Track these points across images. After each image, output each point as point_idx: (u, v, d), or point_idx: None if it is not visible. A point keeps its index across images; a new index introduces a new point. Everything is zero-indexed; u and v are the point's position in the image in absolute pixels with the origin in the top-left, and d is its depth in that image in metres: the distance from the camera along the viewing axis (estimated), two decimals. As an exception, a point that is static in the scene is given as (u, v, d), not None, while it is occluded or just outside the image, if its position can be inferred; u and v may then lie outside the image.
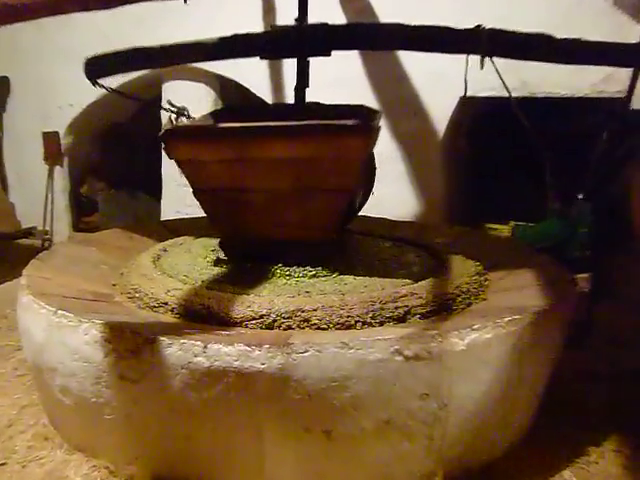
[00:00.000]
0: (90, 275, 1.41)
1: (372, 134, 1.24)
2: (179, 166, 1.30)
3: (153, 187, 2.62)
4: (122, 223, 2.26)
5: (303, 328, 1.11)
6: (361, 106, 1.47)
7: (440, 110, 1.99)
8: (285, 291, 1.24)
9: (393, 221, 1.81)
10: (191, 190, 1.34)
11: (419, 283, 1.25)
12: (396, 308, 1.15)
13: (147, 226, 1.84)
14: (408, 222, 1.86)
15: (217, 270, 1.39)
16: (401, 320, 1.14)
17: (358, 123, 1.19)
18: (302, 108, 1.43)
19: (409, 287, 1.22)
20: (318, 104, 1.47)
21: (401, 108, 2.03)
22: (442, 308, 1.18)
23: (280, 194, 1.27)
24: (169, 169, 2.47)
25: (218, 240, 1.44)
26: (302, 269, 1.33)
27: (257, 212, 1.31)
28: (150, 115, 2.44)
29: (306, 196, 1.26)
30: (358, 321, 1.12)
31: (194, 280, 1.32)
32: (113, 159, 2.79)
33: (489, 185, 2.13)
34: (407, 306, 1.15)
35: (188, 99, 2.21)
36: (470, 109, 2.02)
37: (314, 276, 1.32)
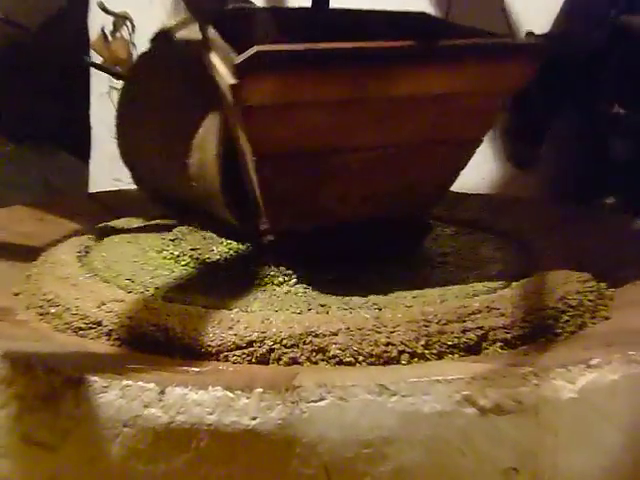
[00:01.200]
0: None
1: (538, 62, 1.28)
2: (245, 118, 1.25)
3: (76, 141, 2.62)
4: (28, 197, 2.27)
5: (316, 362, 1.12)
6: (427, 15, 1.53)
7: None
8: (288, 304, 1.25)
9: (457, 194, 1.81)
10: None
11: (500, 292, 1.25)
12: (464, 331, 1.15)
13: (67, 201, 1.85)
14: (480, 196, 1.86)
15: (180, 271, 1.40)
16: (472, 350, 1.15)
17: (535, 45, 1.25)
18: (353, 17, 1.49)
19: (485, 298, 1.22)
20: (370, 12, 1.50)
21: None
22: (538, 331, 1.18)
23: (385, 154, 1.30)
24: (102, 113, 2.48)
25: (264, 238, 1.44)
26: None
27: (346, 184, 1.33)
28: (70, 28, 2.44)
29: (423, 154, 1.31)
30: (403, 351, 1.13)
31: (143, 287, 1.33)
32: (11, 98, 2.79)
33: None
34: (482, 328, 1.16)
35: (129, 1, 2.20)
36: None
37: (332, 282, 1.33)
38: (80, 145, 2.54)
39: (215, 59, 1.32)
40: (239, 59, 1.20)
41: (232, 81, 1.21)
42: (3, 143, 2.78)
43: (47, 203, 1.79)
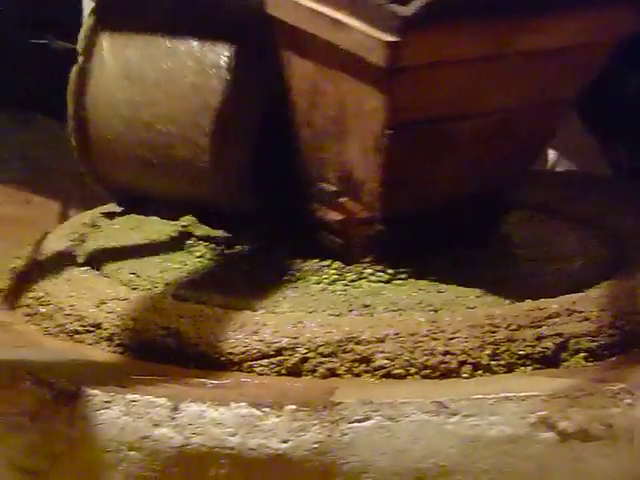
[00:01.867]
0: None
1: None
2: (391, 82, 1.25)
3: (58, 103, 2.62)
4: (5, 174, 2.27)
5: (358, 374, 1.12)
6: None
7: None
8: (324, 304, 1.24)
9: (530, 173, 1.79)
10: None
11: (584, 292, 1.24)
12: (539, 339, 1.14)
13: (55, 179, 1.85)
14: (560, 174, 1.84)
15: (193, 264, 1.40)
16: (549, 362, 1.13)
17: None
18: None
19: (564, 299, 1.21)
20: None
21: None
22: (631, 340, 1.17)
23: (500, 119, 1.35)
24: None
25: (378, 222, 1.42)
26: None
27: (461, 157, 1.36)
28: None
29: (529, 118, 1.36)
30: (465, 362, 1.12)
31: (150, 282, 1.32)
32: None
33: None
34: (561, 335, 1.14)
35: None
36: None
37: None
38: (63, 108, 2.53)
39: (333, 13, 1.31)
40: (408, 10, 1.20)
41: (390, 38, 1.20)
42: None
43: (31, 181, 1.80)
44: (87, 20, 1.55)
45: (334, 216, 1.40)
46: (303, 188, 1.43)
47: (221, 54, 1.43)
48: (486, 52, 1.28)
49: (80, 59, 1.46)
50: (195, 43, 1.45)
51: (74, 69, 1.51)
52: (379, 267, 1.34)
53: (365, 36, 1.24)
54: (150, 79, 1.47)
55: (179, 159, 1.46)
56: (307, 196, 1.43)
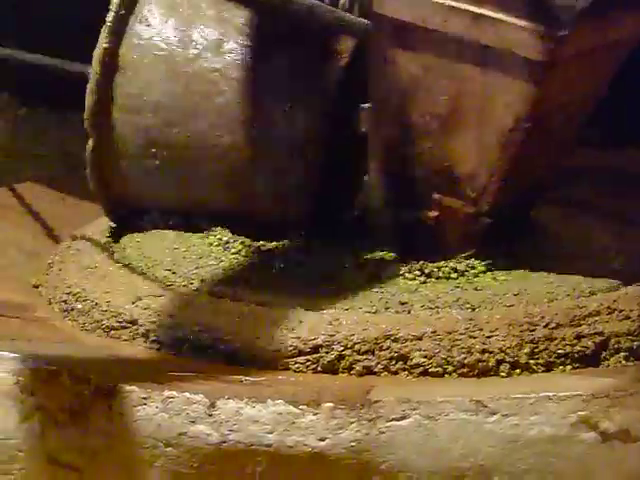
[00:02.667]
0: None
1: None
2: (546, 74, 1.28)
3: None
4: (43, 170, 2.28)
5: (395, 372, 1.12)
6: None
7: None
8: (360, 302, 1.24)
9: (565, 169, 1.78)
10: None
11: (624, 289, 1.23)
12: (579, 337, 1.13)
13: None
14: (593, 171, 1.83)
15: (229, 261, 1.40)
16: (589, 361, 1.13)
17: None
18: None
19: (604, 297, 1.20)
20: None
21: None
22: None
23: (574, 110, 1.41)
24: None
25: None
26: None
27: (550, 144, 1.41)
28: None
29: (581, 109, 1.41)
30: (503, 361, 1.12)
31: (186, 279, 1.33)
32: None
33: None
34: (601, 334, 1.14)
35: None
36: None
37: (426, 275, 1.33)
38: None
39: (473, 8, 1.32)
40: (580, 3, 1.22)
41: (556, 32, 1.22)
42: (14, 106, 2.80)
43: (68, 178, 1.81)
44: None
45: (426, 213, 1.41)
46: (377, 188, 1.43)
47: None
48: (608, 40, 1.31)
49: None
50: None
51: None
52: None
53: (519, 30, 1.25)
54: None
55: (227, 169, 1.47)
56: (382, 196, 1.43)
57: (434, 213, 1.40)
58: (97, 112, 1.45)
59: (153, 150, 1.45)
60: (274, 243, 1.44)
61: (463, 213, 1.40)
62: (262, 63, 1.44)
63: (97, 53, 1.44)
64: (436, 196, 1.39)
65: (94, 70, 1.45)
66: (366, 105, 1.39)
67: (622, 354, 1.13)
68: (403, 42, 1.33)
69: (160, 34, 1.47)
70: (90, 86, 1.45)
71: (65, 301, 1.33)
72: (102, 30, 1.45)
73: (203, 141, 1.44)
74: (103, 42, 1.44)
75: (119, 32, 1.45)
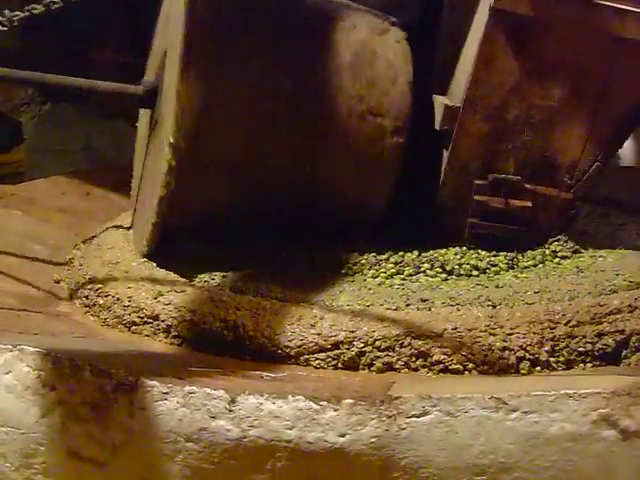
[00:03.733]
0: (12, 263, 1.45)
1: None
2: None
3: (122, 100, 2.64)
4: (69, 165, 2.30)
5: (415, 369, 1.13)
6: None
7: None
8: (381, 299, 1.25)
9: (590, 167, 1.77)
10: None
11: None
12: (600, 335, 1.14)
13: (115, 171, 1.87)
14: (618, 170, 1.82)
15: (253, 257, 1.41)
16: (610, 359, 1.13)
17: None
18: None
19: (626, 295, 1.20)
20: None
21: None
22: None
23: None
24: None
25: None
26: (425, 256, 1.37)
27: None
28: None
29: None
30: (523, 358, 1.12)
31: (208, 275, 1.34)
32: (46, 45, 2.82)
33: None
34: (622, 332, 1.14)
35: None
36: None
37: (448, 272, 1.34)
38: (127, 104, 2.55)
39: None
40: None
41: None
42: (40, 102, 2.80)
43: (92, 173, 1.82)
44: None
45: (517, 203, 1.44)
46: (452, 186, 1.45)
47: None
48: None
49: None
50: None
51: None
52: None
53: None
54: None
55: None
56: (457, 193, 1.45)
57: (527, 203, 1.43)
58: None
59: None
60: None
61: (560, 200, 1.45)
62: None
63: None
64: (529, 186, 1.43)
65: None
66: (444, 102, 1.42)
67: (643, 353, 1.13)
68: (520, 36, 1.37)
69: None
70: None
71: (87, 296, 1.34)
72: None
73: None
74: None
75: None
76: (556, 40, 1.36)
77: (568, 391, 0.96)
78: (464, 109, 1.40)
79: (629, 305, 1.17)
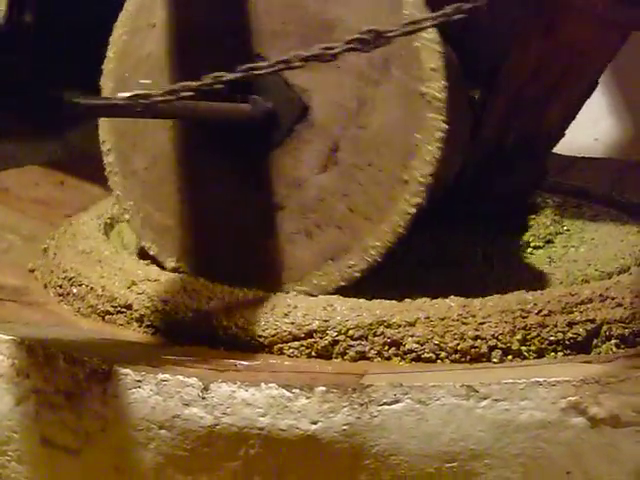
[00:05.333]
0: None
1: None
2: None
3: (99, 85, 2.62)
4: (43, 155, 2.28)
5: (388, 358, 1.13)
6: None
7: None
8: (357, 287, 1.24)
9: (564, 157, 1.81)
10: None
11: (617, 278, 1.24)
12: (571, 324, 1.14)
13: (90, 161, 1.85)
14: (592, 160, 1.84)
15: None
16: (581, 348, 1.14)
17: None
18: None
19: (597, 285, 1.21)
20: None
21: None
22: None
23: None
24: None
25: None
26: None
27: None
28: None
29: None
30: (495, 347, 1.12)
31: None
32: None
33: None
34: (593, 321, 1.15)
35: None
36: None
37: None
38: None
39: None
40: None
41: None
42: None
43: (67, 163, 1.81)
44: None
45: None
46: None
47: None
48: None
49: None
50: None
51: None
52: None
53: None
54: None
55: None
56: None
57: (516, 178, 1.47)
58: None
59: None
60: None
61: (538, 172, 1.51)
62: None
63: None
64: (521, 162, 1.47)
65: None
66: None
67: (613, 341, 1.14)
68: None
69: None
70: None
71: (61, 285, 1.33)
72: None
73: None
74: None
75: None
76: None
77: (538, 379, 0.97)
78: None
79: (600, 295, 1.17)
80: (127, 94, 1.08)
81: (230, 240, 1.31)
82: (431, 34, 1.17)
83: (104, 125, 1.40)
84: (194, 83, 1.06)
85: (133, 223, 1.37)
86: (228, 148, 1.29)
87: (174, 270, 1.31)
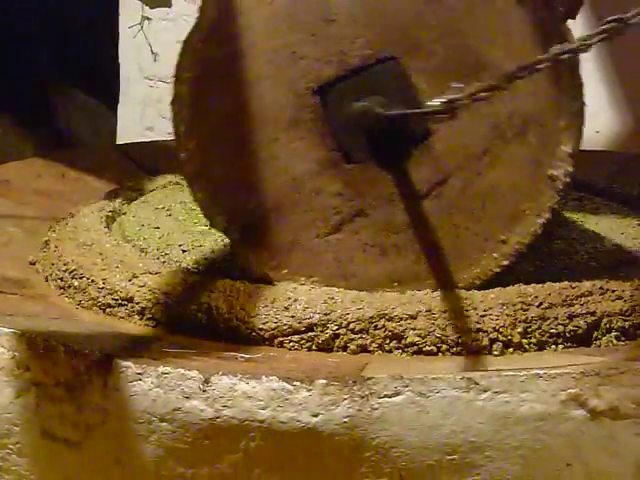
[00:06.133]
0: (-13, 245, 1.44)
1: None
2: None
3: (100, 80, 2.64)
4: (44, 147, 2.29)
5: (389, 351, 1.13)
6: None
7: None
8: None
9: None
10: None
11: (618, 270, 1.25)
12: (571, 317, 1.15)
13: (91, 154, 1.87)
14: (594, 153, 1.83)
15: (224, 241, 1.39)
16: (581, 340, 1.14)
17: None
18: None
19: (597, 280, 1.20)
20: None
21: None
22: None
23: None
24: (132, 48, 2.49)
25: None
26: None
27: None
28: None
29: None
30: (496, 340, 1.13)
31: (182, 257, 1.34)
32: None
33: None
34: (593, 314, 1.15)
35: None
36: None
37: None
38: (106, 86, 2.55)
39: None
40: None
41: None
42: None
43: (68, 156, 1.82)
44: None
45: None
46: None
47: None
48: None
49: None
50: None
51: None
52: None
53: None
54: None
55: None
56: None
57: None
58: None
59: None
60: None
61: None
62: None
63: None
64: None
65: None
66: None
67: (613, 334, 1.14)
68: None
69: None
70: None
71: (62, 278, 1.34)
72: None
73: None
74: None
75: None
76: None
77: (538, 371, 0.97)
78: None
79: (600, 287, 1.18)
80: (441, 99, 1.08)
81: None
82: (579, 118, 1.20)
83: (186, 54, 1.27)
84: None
85: (188, 167, 1.26)
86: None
87: (223, 230, 1.27)
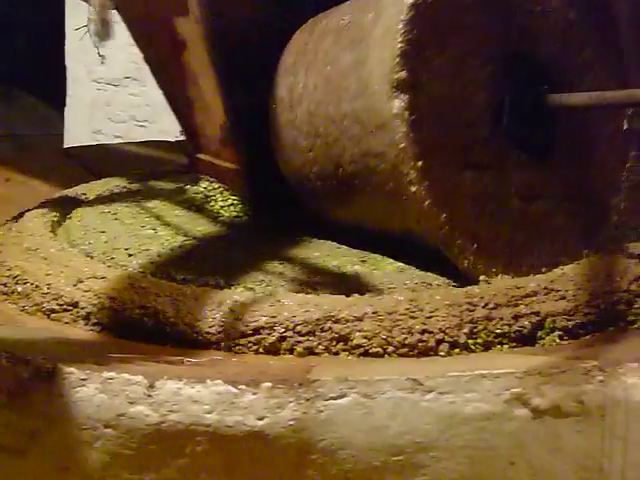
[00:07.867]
0: None
1: None
2: None
3: (47, 81, 2.62)
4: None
5: (336, 353, 1.13)
6: None
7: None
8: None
9: None
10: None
11: (562, 270, 1.25)
12: (516, 317, 1.16)
13: (38, 157, 1.86)
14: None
15: (171, 244, 1.42)
16: (526, 341, 1.15)
17: None
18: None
19: (542, 278, 1.22)
20: None
21: None
22: (606, 319, 1.18)
23: None
24: (78, 50, 2.48)
25: None
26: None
27: None
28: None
29: None
30: (442, 340, 1.14)
31: (128, 261, 1.34)
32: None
33: None
34: (537, 314, 1.16)
35: None
36: None
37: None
38: (54, 88, 2.53)
39: None
40: None
41: None
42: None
43: (14, 159, 1.80)
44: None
45: None
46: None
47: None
48: None
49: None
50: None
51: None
52: None
53: None
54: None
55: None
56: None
57: None
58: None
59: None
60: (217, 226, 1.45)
61: None
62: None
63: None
64: None
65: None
66: None
67: (557, 333, 1.15)
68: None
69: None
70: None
71: (5, 284, 1.33)
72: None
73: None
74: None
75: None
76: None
77: (482, 371, 0.98)
78: None
79: (545, 287, 1.19)
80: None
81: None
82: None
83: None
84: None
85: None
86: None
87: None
